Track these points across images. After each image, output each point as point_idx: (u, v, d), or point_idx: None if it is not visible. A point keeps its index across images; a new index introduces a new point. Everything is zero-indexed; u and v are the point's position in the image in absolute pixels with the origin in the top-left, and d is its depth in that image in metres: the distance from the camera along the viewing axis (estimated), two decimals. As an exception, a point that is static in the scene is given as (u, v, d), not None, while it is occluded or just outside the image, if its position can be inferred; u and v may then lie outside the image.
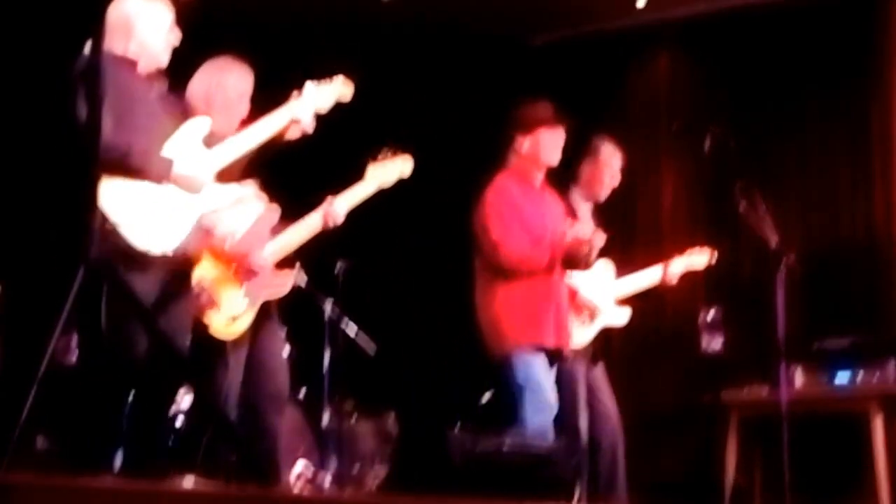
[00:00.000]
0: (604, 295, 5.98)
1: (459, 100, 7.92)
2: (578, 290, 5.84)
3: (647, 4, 7.78)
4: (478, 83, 8.00)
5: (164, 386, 4.42)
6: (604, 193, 6.13)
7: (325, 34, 7.32)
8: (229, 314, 4.76)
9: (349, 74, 4.85)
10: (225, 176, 4.53)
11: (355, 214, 5.20)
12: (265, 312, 4.86)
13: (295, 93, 4.73)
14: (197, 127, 4.44)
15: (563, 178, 6.10)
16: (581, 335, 5.83)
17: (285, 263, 5.03)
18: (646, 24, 7.99)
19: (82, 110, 4.02)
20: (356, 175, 5.25)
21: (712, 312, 6.67)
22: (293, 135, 4.73)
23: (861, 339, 6.64)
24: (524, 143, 5.51)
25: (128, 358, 4.13)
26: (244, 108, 4.92)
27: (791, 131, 7.56)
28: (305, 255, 5.21)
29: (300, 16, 7.30)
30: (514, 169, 5.55)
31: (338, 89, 4.80)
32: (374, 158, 5.27)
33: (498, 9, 7.63)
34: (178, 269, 4.31)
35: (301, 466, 5.91)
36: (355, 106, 4.82)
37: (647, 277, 6.15)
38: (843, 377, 6.58)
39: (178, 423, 5.15)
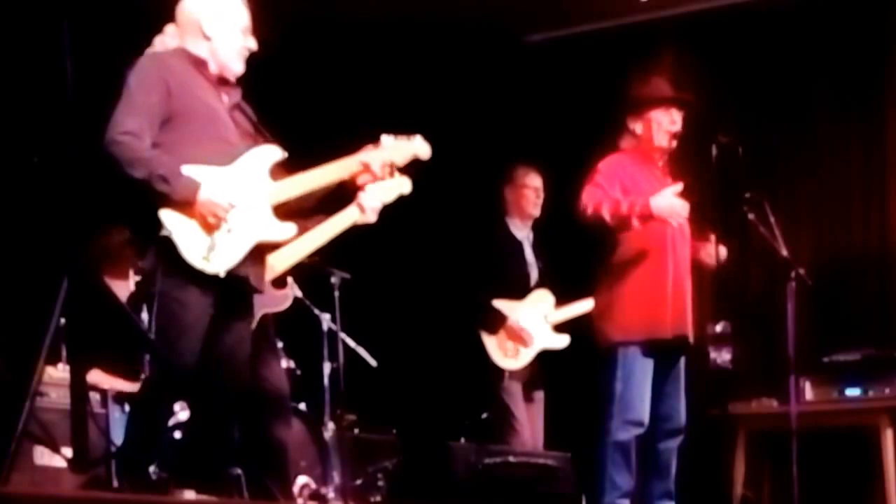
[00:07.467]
0: (540, 322, 6.20)
1: (455, 100, 7.80)
2: (510, 316, 6.08)
3: (650, 0, 7.66)
4: (474, 82, 7.87)
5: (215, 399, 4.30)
6: (535, 213, 6.32)
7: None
8: None
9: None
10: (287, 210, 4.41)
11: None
12: (262, 326, 4.81)
13: (370, 145, 4.52)
14: (267, 155, 4.25)
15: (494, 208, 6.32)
16: (516, 360, 6.13)
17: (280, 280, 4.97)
18: (648, 22, 7.80)
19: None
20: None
21: (721, 325, 6.63)
22: (363, 181, 4.52)
23: (872, 353, 6.56)
24: (635, 126, 5.38)
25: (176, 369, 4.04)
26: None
27: (802, 139, 7.43)
28: (302, 268, 5.15)
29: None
30: (626, 152, 5.42)
31: (415, 148, 4.61)
32: None
33: (494, 6, 7.46)
34: (230, 289, 4.13)
35: (304, 480, 5.87)
36: (350, 103, 4.74)
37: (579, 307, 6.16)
38: (853, 391, 6.53)
39: (177, 435, 5.10)
